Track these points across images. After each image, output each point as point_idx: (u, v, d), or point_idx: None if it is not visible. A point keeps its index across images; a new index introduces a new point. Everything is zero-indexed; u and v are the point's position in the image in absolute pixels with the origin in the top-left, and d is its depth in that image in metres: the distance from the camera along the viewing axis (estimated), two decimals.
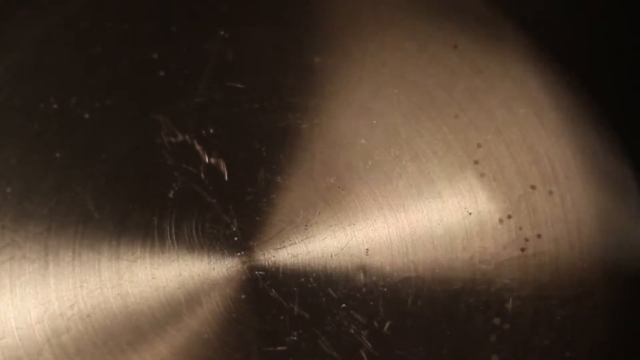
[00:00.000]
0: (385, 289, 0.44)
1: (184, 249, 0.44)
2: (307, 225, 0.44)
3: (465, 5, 0.48)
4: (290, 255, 0.44)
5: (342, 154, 0.45)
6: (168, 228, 0.44)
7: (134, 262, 0.44)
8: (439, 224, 0.45)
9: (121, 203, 0.45)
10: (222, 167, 0.45)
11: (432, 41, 0.47)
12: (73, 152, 0.45)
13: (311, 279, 0.44)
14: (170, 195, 0.45)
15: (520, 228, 0.45)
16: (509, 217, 0.45)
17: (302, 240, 0.44)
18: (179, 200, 0.45)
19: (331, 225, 0.44)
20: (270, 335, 0.43)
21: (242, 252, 0.44)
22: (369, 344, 0.44)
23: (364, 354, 0.44)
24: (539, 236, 0.45)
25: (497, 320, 0.44)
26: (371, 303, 0.44)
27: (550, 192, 0.46)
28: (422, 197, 0.45)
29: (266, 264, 0.44)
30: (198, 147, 0.45)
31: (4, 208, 0.45)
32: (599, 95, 0.47)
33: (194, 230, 0.44)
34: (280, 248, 0.44)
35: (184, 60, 0.46)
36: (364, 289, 0.44)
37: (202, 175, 0.45)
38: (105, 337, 0.43)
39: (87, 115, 0.46)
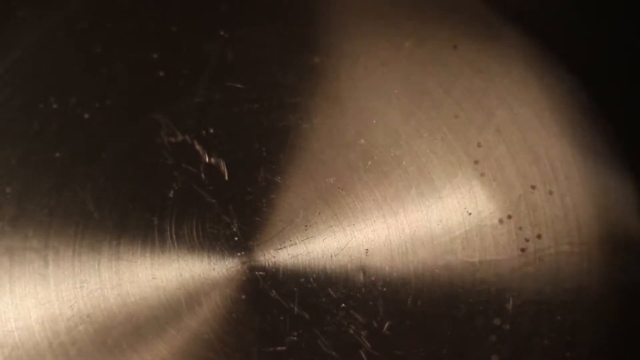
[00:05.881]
0: (384, 289, 0.44)
1: (184, 249, 0.44)
2: (307, 226, 0.44)
3: (465, 5, 0.48)
4: (290, 256, 0.44)
5: (342, 154, 0.45)
6: (168, 228, 0.44)
7: (134, 262, 0.44)
8: (439, 224, 0.45)
9: (121, 203, 0.45)
10: (222, 167, 0.45)
11: (432, 41, 0.47)
12: (73, 152, 0.45)
13: (311, 279, 0.44)
14: (170, 195, 0.45)
15: (520, 228, 0.45)
16: (509, 217, 0.45)
17: (302, 240, 0.44)
18: (179, 200, 0.45)
19: (331, 226, 0.44)
20: (270, 336, 0.43)
21: (242, 253, 0.44)
22: (369, 344, 0.44)
23: (363, 354, 0.44)
24: (539, 236, 0.45)
25: (497, 320, 0.44)
26: (371, 303, 0.44)
27: (550, 192, 0.46)
28: (422, 197, 0.45)
29: (266, 264, 0.44)
30: (198, 147, 0.45)
31: (4, 208, 0.45)
32: (599, 95, 0.47)
33: (194, 231, 0.44)
34: (280, 248, 0.44)
35: (184, 60, 0.46)
36: (363, 289, 0.44)
37: (202, 175, 0.45)
38: (105, 337, 0.43)
39: (87, 115, 0.46)
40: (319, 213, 0.45)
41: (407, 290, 0.44)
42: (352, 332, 0.44)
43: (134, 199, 0.45)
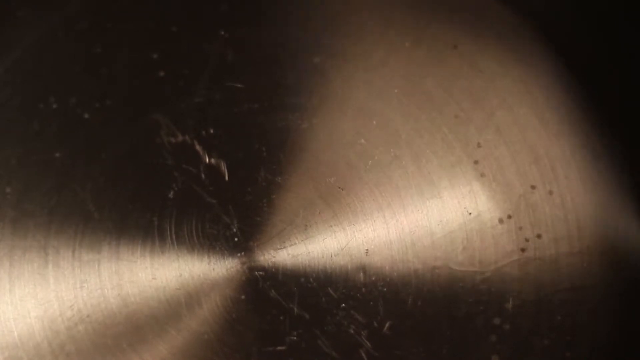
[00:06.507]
0: (385, 289, 0.44)
1: (184, 249, 0.44)
2: (307, 226, 0.44)
3: (465, 5, 0.48)
4: (290, 256, 0.44)
5: (342, 154, 0.45)
6: (168, 228, 0.44)
7: (134, 262, 0.44)
8: (439, 224, 0.45)
9: (121, 203, 0.45)
10: (222, 167, 0.45)
11: (432, 41, 0.47)
12: (73, 152, 0.45)
13: (311, 279, 0.44)
14: (170, 195, 0.45)
15: (520, 228, 0.45)
16: (509, 217, 0.45)
17: (302, 240, 0.44)
18: (179, 201, 0.45)
19: (331, 226, 0.44)
20: (270, 336, 0.43)
21: (242, 253, 0.44)
22: (369, 344, 0.44)
23: (363, 354, 0.44)
24: (539, 236, 0.45)
25: (497, 320, 0.44)
26: (371, 303, 0.44)
27: (550, 192, 0.46)
28: (422, 197, 0.45)
29: (266, 264, 0.44)
30: (198, 147, 0.45)
31: (4, 208, 0.45)
32: (599, 95, 0.47)
33: (194, 231, 0.44)
34: (280, 248, 0.44)
35: (184, 60, 0.46)
36: (363, 289, 0.44)
37: (202, 176, 0.45)
38: (105, 338, 0.43)
39: (87, 115, 0.46)
40: (319, 213, 0.45)
41: (407, 290, 0.44)
42: (352, 332, 0.44)
43: (134, 199, 0.45)
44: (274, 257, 0.44)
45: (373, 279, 0.44)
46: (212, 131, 0.45)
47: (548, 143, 0.46)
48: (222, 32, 0.46)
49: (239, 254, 0.44)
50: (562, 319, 0.44)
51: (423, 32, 0.47)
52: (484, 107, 0.46)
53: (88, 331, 0.44)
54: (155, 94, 0.46)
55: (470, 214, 0.45)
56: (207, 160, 0.45)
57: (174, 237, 0.44)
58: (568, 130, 0.46)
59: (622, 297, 0.45)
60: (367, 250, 0.44)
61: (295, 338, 0.44)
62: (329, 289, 0.44)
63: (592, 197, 0.46)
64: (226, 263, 0.44)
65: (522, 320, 0.44)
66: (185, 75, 0.46)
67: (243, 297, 0.44)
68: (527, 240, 0.45)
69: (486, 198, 0.45)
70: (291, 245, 0.44)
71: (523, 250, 0.45)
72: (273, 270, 0.44)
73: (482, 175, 0.46)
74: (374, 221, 0.45)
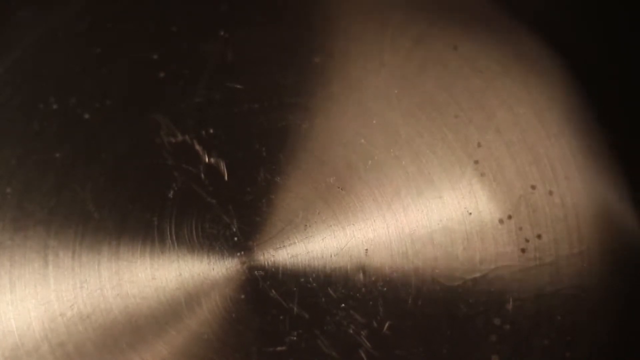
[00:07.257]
0: (384, 289, 0.44)
1: (183, 249, 0.44)
2: (306, 226, 0.44)
3: (465, 5, 0.48)
4: (289, 255, 0.44)
5: (342, 154, 0.45)
6: (168, 228, 0.44)
7: (134, 262, 0.44)
8: (439, 224, 0.45)
9: (121, 203, 0.45)
10: (222, 167, 0.45)
11: (432, 41, 0.47)
12: (73, 152, 0.45)
13: (311, 279, 0.44)
14: (170, 195, 0.45)
15: (520, 228, 0.45)
16: (509, 217, 0.45)
17: (301, 240, 0.44)
18: (179, 200, 0.45)
19: (331, 226, 0.44)
20: (270, 336, 0.43)
21: (242, 252, 0.44)
22: (369, 344, 0.44)
23: (363, 354, 0.44)
24: (539, 236, 0.45)
25: (497, 321, 0.44)
26: (371, 303, 0.44)
27: (550, 192, 0.46)
28: (422, 197, 0.45)
29: (266, 264, 0.44)
30: (198, 147, 0.45)
31: (4, 208, 0.45)
32: (599, 95, 0.47)
33: (193, 231, 0.44)
34: (279, 248, 0.44)
35: (184, 60, 0.46)
36: (363, 289, 0.44)
37: (202, 176, 0.45)
38: (105, 338, 0.43)
39: (87, 115, 0.46)
40: (319, 213, 0.45)
41: (407, 290, 0.44)
42: (352, 332, 0.44)
43: (134, 199, 0.45)
44: (274, 256, 0.44)
45: (373, 279, 0.44)
46: (212, 131, 0.45)
47: (548, 143, 0.46)
48: (222, 32, 0.46)
49: (238, 254, 0.44)
50: (562, 319, 0.44)
51: (423, 32, 0.47)
52: (484, 107, 0.46)
53: (88, 331, 0.44)
54: (155, 94, 0.46)
55: (470, 214, 0.45)
56: (207, 160, 0.45)
57: (173, 237, 0.44)
58: (568, 130, 0.46)
59: (622, 297, 0.45)
60: (366, 250, 0.44)
61: (295, 338, 0.44)
62: (329, 289, 0.44)
63: (592, 197, 0.46)
64: (226, 263, 0.44)
65: (522, 320, 0.44)
66: (185, 75, 0.46)
67: (243, 297, 0.44)
68: (527, 240, 0.45)
69: (486, 198, 0.45)
70: (291, 245, 0.44)
71: (523, 250, 0.45)
72: (273, 270, 0.44)
73: (482, 175, 0.46)
74: (374, 221, 0.45)
